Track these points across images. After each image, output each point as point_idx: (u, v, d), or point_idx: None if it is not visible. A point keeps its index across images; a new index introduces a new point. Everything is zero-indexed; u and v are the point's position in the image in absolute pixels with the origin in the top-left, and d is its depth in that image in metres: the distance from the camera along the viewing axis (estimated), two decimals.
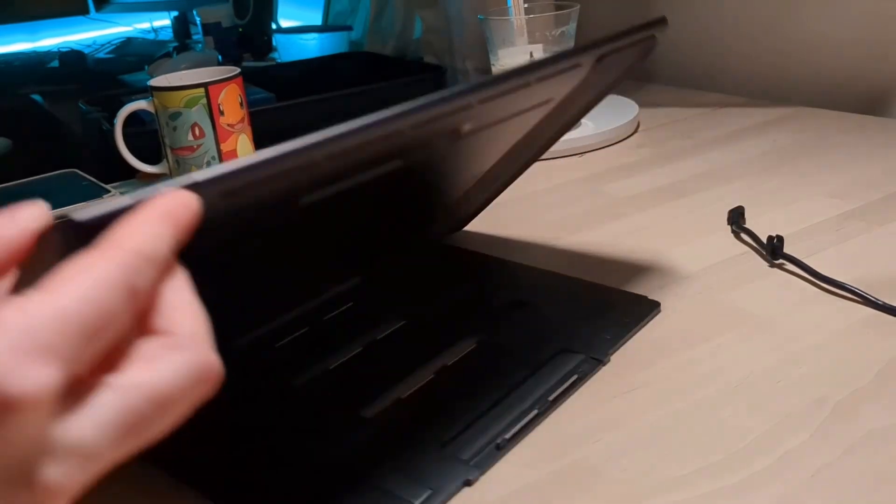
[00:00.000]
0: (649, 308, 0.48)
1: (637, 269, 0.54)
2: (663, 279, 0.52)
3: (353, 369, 0.45)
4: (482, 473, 0.36)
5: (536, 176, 0.73)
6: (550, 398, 0.41)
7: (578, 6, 0.78)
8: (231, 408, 0.42)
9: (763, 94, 0.92)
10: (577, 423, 0.39)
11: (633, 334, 0.46)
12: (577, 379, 0.42)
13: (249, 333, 0.48)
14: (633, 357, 0.44)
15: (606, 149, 0.79)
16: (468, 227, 0.61)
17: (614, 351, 0.44)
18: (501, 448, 0.38)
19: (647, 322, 0.47)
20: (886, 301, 0.46)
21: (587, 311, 0.48)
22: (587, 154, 0.78)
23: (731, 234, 0.58)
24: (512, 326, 0.47)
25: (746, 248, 0.55)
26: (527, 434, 0.39)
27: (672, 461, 0.36)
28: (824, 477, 0.34)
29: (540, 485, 0.35)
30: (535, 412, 0.40)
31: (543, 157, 0.77)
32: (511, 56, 0.79)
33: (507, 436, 0.38)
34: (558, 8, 0.80)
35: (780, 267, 0.52)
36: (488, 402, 0.41)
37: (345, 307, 0.51)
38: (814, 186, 0.65)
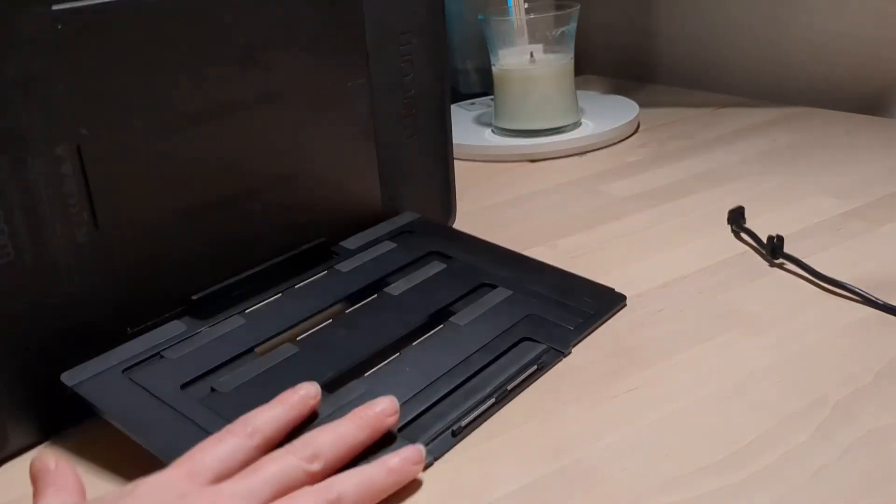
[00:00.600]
0: (615, 301, 0.49)
1: (636, 269, 0.54)
2: (663, 279, 0.52)
3: (318, 343, 0.45)
4: (436, 459, 0.37)
5: (536, 176, 0.73)
6: (509, 387, 0.41)
7: (578, 6, 0.78)
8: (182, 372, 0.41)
9: (763, 94, 0.92)
10: (577, 422, 0.39)
11: (598, 327, 0.47)
12: (536, 369, 0.43)
13: (216, 284, 0.47)
14: (632, 356, 0.44)
15: (606, 149, 0.79)
16: (467, 227, 0.61)
17: (576, 343, 0.45)
18: (457, 435, 0.38)
19: (612, 315, 0.48)
20: (886, 301, 0.46)
21: (557, 301, 0.48)
22: (587, 154, 0.78)
23: (731, 234, 0.58)
24: (481, 310, 0.47)
25: (746, 248, 0.56)
26: (483, 422, 0.39)
27: (672, 461, 0.36)
28: (824, 477, 0.34)
29: (539, 485, 0.35)
30: (492, 401, 0.40)
31: (543, 157, 0.78)
32: (511, 56, 0.79)
33: (463, 423, 0.39)
34: (558, 8, 0.80)
35: (780, 267, 0.52)
36: (448, 386, 0.41)
37: (320, 275, 0.51)
38: (814, 186, 0.65)
